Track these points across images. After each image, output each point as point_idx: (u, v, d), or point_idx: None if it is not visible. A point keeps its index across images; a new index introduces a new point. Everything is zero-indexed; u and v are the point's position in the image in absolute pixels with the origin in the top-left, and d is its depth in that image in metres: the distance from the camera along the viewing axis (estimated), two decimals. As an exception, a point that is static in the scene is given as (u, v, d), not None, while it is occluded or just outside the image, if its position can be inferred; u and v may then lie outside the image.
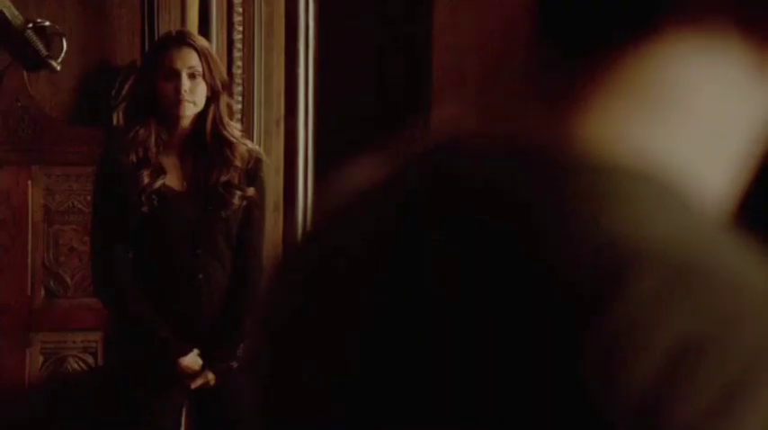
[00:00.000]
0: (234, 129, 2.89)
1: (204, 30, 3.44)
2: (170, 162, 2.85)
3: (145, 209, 2.78)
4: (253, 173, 2.89)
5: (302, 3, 3.60)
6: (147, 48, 3.46)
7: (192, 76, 2.82)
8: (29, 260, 3.45)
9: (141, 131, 2.81)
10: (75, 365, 3.48)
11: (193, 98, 2.82)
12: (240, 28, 3.54)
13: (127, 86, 3.46)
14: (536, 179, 0.47)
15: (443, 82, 6.17)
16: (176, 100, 2.80)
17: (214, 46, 3.42)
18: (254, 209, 2.91)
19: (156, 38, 3.34)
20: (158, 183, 2.81)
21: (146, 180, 2.79)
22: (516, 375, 0.44)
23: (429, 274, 0.47)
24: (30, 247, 3.45)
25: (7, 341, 3.45)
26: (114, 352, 2.99)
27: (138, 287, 2.81)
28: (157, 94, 2.81)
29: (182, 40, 2.86)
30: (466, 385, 0.45)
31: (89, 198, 3.47)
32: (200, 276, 2.83)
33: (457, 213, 0.48)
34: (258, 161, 2.91)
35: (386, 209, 0.51)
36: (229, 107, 2.88)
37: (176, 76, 2.81)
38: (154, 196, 2.80)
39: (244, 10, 3.53)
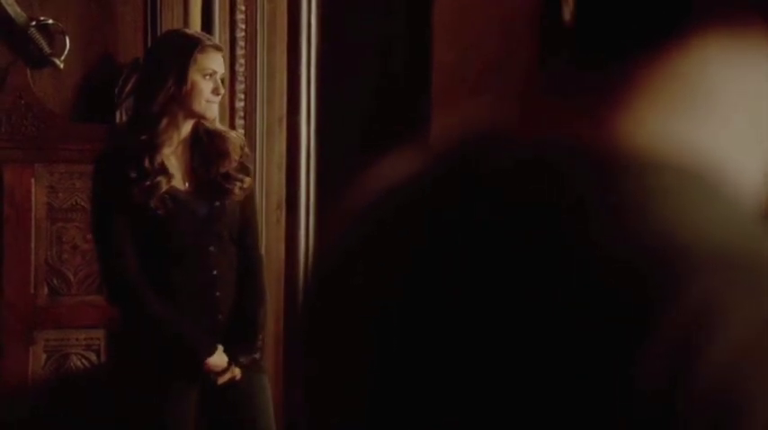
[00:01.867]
0: (218, 124, 2.97)
1: (207, 27, 3.44)
2: (171, 161, 2.86)
3: (161, 212, 2.79)
4: (244, 164, 2.94)
5: (305, 0, 3.60)
6: (150, 44, 3.46)
7: (221, 80, 2.92)
8: (32, 258, 3.46)
9: (170, 128, 2.82)
10: (79, 363, 3.49)
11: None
12: (243, 26, 3.54)
13: (130, 84, 3.46)
14: (588, 176, 0.47)
15: (444, 81, 6.16)
16: (212, 101, 2.86)
17: (220, 44, 3.42)
18: (249, 201, 2.96)
19: (162, 35, 3.30)
20: (169, 185, 2.82)
21: (161, 181, 2.79)
22: (570, 370, 0.44)
23: (477, 273, 0.47)
24: (33, 245, 3.46)
25: (10, 338, 3.46)
26: (124, 353, 2.95)
27: (153, 289, 2.80)
28: (193, 91, 2.83)
29: (215, 45, 2.95)
30: (519, 383, 0.45)
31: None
32: (215, 272, 2.85)
33: (504, 211, 0.48)
34: (246, 153, 2.97)
35: (422, 203, 0.50)
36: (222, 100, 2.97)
37: (214, 77, 2.87)
38: (167, 197, 2.81)
39: (246, 8, 3.54)
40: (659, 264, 0.45)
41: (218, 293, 2.86)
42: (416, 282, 0.48)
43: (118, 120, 3.47)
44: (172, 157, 2.85)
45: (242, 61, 3.55)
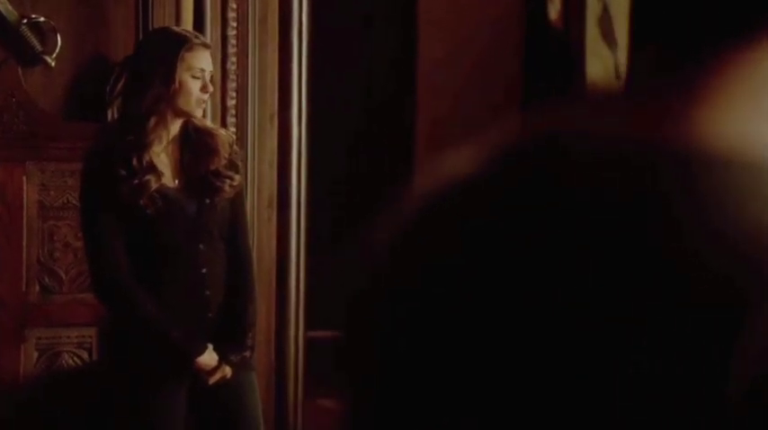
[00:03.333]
0: (206, 121, 2.97)
1: (199, 25, 3.45)
2: (161, 159, 2.85)
3: (150, 210, 2.78)
4: (234, 161, 2.93)
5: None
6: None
7: (210, 76, 2.90)
8: (23, 256, 3.45)
9: (159, 127, 2.81)
10: (70, 361, 3.49)
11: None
12: (234, 24, 3.55)
13: (122, 82, 3.46)
14: (671, 174, 0.47)
15: (429, 78, 6.17)
16: (201, 99, 2.85)
17: (208, 41, 3.42)
18: (239, 198, 2.96)
19: (149, 33, 3.30)
20: (158, 183, 2.81)
21: (151, 180, 2.78)
22: (656, 374, 0.44)
23: (560, 276, 0.46)
24: (24, 243, 3.45)
25: (2, 337, 3.45)
26: (113, 352, 2.94)
27: (143, 288, 2.80)
28: (181, 90, 2.81)
29: (203, 42, 2.93)
30: (606, 386, 0.44)
31: (84, 193, 3.48)
32: (204, 270, 2.85)
33: (584, 210, 0.47)
34: (235, 150, 2.96)
35: (498, 202, 0.50)
36: (214, 98, 3.01)
37: (203, 75, 2.85)
38: (156, 196, 2.80)
39: (238, 6, 3.54)
40: (746, 263, 0.44)
41: (207, 292, 2.85)
42: (495, 285, 0.48)
43: (109, 118, 3.47)
44: (162, 155, 2.84)
45: (233, 59, 3.55)
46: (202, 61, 2.86)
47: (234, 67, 3.56)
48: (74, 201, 3.47)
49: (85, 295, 3.48)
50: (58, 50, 3.44)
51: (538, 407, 0.46)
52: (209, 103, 3.00)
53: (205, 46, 2.91)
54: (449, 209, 0.51)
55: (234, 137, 3.04)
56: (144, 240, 2.80)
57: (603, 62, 5.68)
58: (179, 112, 2.84)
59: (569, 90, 5.84)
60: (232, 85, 3.56)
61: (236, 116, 3.56)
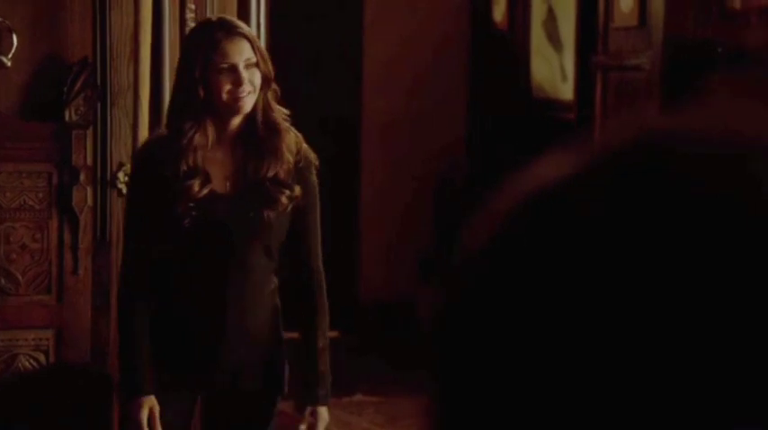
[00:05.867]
0: (283, 114, 2.69)
1: (157, 25, 3.43)
2: (217, 160, 2.64)
3: (186, 222, 2.58)
4: (304, 174, 2.67)
5: (254, 2, 3.61)
6: (100, 42, 3.43)
7: (248, 67, 2.63)
8: (-21, 258, 3.41)
9: (197, 137, 2.60)
10: (27, 363, 3.45)
11: (253, 89, 2.62)
12: (192, 24, 3.54)
13: (79, 82, 3.43)
14: None
15: (376, 76, 6.19)
16: (237, 96, 2.60)
17: (166, 43, 3.41)
18: (308, 211, 2.68)
19: (194, 25, 3.09)
20: (204, 192, 2.60)
21: (195, 190, 2.59)
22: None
23: (664, 278, 0.46)
24: (-18, 245, 3.41)
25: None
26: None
27: (152, 307, 2.65)
28: (212, 90, 2.60)
29: (231, 29, 2.65)
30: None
31: (41, 195, 3.45)
32: (227, 291, 2.62)
33: (688, 212, 0.47)
34: (309, 161, 2.69)
35: (596, 203, 0.49)
36: (275, 92, 2.68)
37: (233, 69, 2.60)
38: (193, 206, 2.59)
39: (196, 6, 3.53)
40: None
41: (226, 317, 2.62)
42: (598, 290, 0.47)
43: (67, 118, 3.44)
44: (218, 155, 2.63)
45: (192, 60, 3.54)
46: (230, 55, 2.60)
47: (192, 68, 3.55)
48: (30, 203, 3.44)
49: (43, 297, 3.45)
50: (13, 50, 3.41)
51: (634, 411, 0.45)
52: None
53: (233, 36, 2.62)
54: (547, 212, 0.50)
55: (302, 141, 2.74)
56: (176, 250, 2.62)
57: (549, 63, 5.75)
58: (219, 112, 2.62)
59: (514, 91, 5.90)
60: (190, 85, 3.55)
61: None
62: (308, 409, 2.74)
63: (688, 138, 0.49)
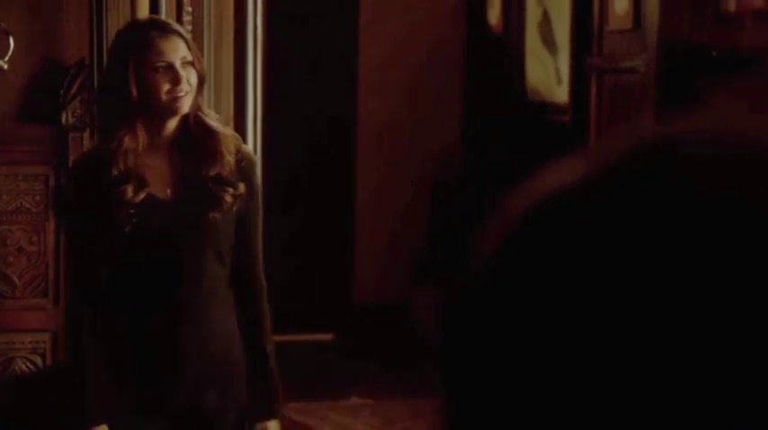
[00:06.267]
0: (213, 115, 2.63)
1: (153, 29, 3.43)
2: (154, 164, 2.54)
3: (126, 229, 2.47)
4: (247, 174, 2.56)
5: (251, 3, 3.61)
6: (97, 44, 3.43)
7: (184, 66, 2.53)
8: (-25, 261, 3.41)
9: (127, 139, 2.48)
10: (24, 367, 3.45)
11: (190, 89, 2.52)
12: (190, 27, 3.54)
13: (76, 85, 3.43)
14: None
15: (370, 80, 6.18)
16: (175, 96, 2.50)
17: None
18: (249, 213, 2.57)
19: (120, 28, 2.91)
20: (141, 197, 2.50)
21: (129, 195, 2.48)
22: None
23: (681, 280, 0.46)
24: (-22, 248, 3.41)
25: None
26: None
27: (107, 321, 2.51)
28: (148, 90, 2.49)
29: (165, 27, 2.57)
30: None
31: (37, 198, 3.44)
32: (181, 299, 2.50)
33: (704, 214, 0.47)
34: (249, 161, 2.59)
35: (611, 206, 0.49)
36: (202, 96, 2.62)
37: (170, 68, 2.50)
38: (133, 212, 2.48)
39: (193, 9, 3.53)
40: None
41: (182, 327, 2.50)
42: (613, 292, 0.47)
43: (64, 121, 3.44)
44: (155, 160, 2.53)
45: (189, 63, 3.54)
46: (167, 53, 2.51)
47: (189, 71, 3.56)
48: (27, 205, 3.43)
49: (39, 300, 3.44)
50: (10, 53, 3.40)
51: (649, 415, 0.46)
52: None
53: (169, 34, 2.53)
54: (562, 214, 0.50)
55: (241, 140, 2.66)
56: (122, 260, 2.51)
57: (544, 66, 5.76)
58: (155, 113, 2.51)
59: (509, 93, 5.90)
60: (187, 88, 3.55)
61: (192, 120, 3.55)
62: (261, 426, 2.60)
63: (691, 140, 0.50)
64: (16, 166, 3.43)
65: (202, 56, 3.54)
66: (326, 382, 5.18)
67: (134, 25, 2.71)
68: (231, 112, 3.64)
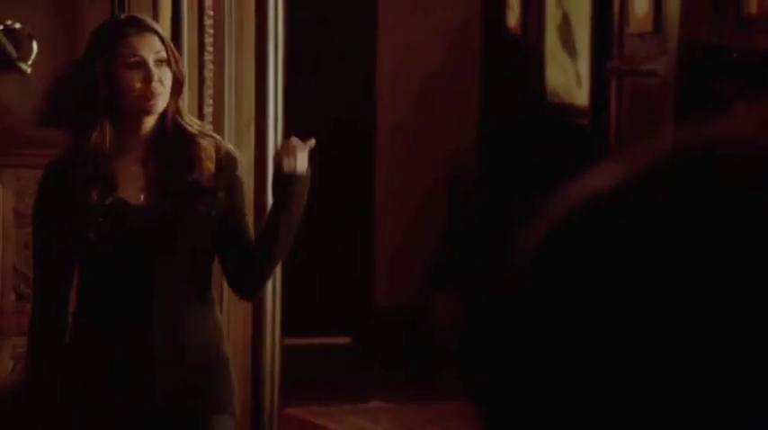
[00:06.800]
0: (194, 121, 2.53)
1: (175, 32, 3.44)
2: (129, 168, 2.45)
3: (94, 235, 2.38)
4: (228, 173, 2.47)
5: (272, 6, 3.62)
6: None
7: (158, 64, 2.42)
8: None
9: (95, 136, 2.38)
10: (46, 369, 3.45)
11: (163, 89, 2.41)
12: (211, 31, 3.54)
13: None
14: None
15: (389, 83, 6.18)
16: (147, 93, 2.38)
17: (185, 49, 3.42)
18: (240, 211, 2.50)
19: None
20: (109, 200, 2.41)
21: (94, 197, 2.39)
22: None
23: (722, 283, 0.46)
24: (0, 251, 3.42)
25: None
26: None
27: (61, 330, 2.43)
28: (118, 87, 2.38)
29: (141, 24, 2.46)
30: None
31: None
32: (155, 308, 2.42)
33: (743, 217, 0.47)
34: (231, 158, 2.50)
35: (651, 210, 0.49)
36: (191, 105, 2.60)
37: (142, 64, 2.39)
38: (101, 217, 2.39)
39: (215, 13, 3.54)
40: None
41: (154, 340, 2.41)
42: (655, 294, 0.47)
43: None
44: (130, 164, 2.44)
45: (210, 66, 3.55)
46: (139, 48, 2.40)
47: (210, 74, 3.56)
48: (49, 209, 3.45)
49: (61, 303, 3.45)
50: (33, 57, 3.41)
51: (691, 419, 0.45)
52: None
53: (141, 29, 2.43)
54: (606, 217, 0.50)
55: (222, 141, 2.58)
56: (90, 266, 2.43)
57: (564, 70, 5.75)
58: (128, 113, 2.40)
59: (528, 96, 5.90)
60: (209, 92, 3.56)
61: (213, 123, 3.56)
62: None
63: (731, 143, 0.50)
64: (39, 170, 3.42)
65: (223, 59, 3.55)
66: (345, 386, 5.18)
67: (110, 21, 2.60)
68: (252, 114, 3.65)
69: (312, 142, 2.52)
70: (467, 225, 5.89)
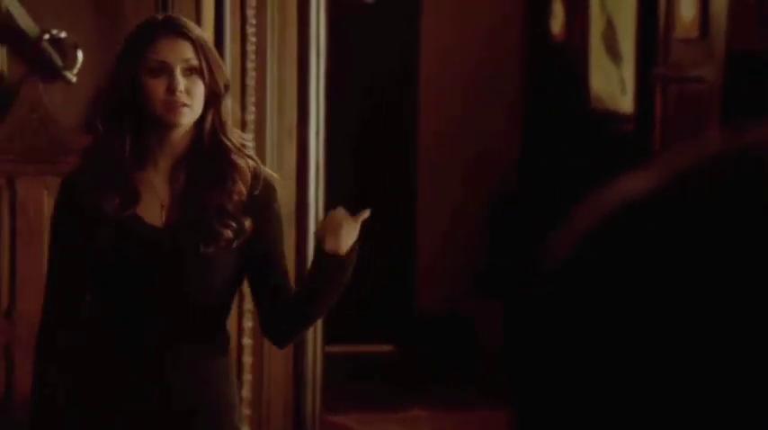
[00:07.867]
0: (238, 138, 2.25)
1: (218, 40, 3.46)
2: (152, 183, 2.22)
3: (96, 246, 2.18)
4: (264, 203, 2.22)
5: (314, 13, 3.62)
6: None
7: (187, 73, 2.17)
8: (43, 270, 3.45)
9: (115, 144, 2.18)
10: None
11: (191, 101, 2.16)
12: (254, 39, 3.56)
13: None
14: None
15: (431, 91, 6.18)
16: (169, 102, 2.15)
17: (228, 57, 3.43)
18: (277, 245, 2.24)
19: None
20: (126, 213, 2.19)
21: (106, 208, 2.18)
22: None
23: (760, 286, 0.46)
24: (44, 258, 3.45)
25: (20, 350, 3.44)
26: None
27: (71, 351, 2.24)
28: (142, 93, 2.16)
29: (172, 27, 2.19)
30: None
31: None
32: (167, 346, 2.20)
33: None
34: (269, 187, 2.24)
35: (691, 212, 0.49)
36: (233, 113, 2.30)
37: (167, 71, 2.15)
38: (110, 230, 2.18)
39: (257, 21, 3.56)
40: None
41: (167, 379, 2.21)
42: (695, 296, 0.47)
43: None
44: (155, 180, 2.22)
45: (253, 74, 3.57)
46: (165, 53, 2.16)
47: (253, 82, 3.58)
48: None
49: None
50: (78, 66, 3.44)
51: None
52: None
53: (172, 31, 2.18)
54: (644, 221, 0.50)
55: (261, 166, 2.30)
56: (99, 283, 2.22)
57: (608, 76, 5.72)
58: (155, 123, 2.17)
59: (572, 102, 5.87)
60: (251, 99, 3.57)
61: (255, 131, 3.57)
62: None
63: None
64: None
65: (265, 67, 3.56)
66: (388, 394, 5.17)
67: (146, 21, 2.30)
68: (295, 121, 3.66)
69: (366, 214, 2.24)
70: (510, 232, 5.86)
